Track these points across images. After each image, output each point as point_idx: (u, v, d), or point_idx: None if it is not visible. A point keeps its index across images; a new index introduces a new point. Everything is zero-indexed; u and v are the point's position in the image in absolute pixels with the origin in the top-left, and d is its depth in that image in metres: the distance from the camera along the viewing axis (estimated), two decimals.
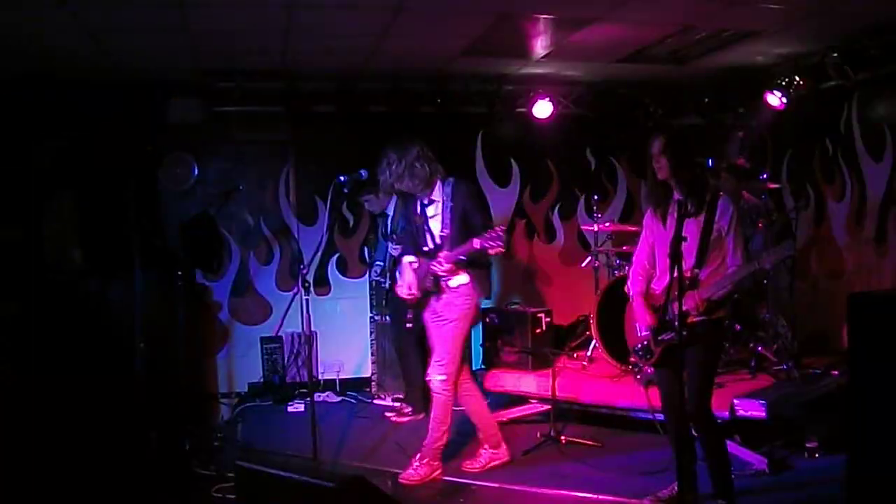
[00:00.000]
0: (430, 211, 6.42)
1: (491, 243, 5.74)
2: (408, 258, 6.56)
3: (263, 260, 9.47)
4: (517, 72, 8.84)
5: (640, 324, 5.39)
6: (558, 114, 9.48)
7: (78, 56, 7.41)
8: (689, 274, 5.06)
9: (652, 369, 6.14)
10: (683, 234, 4.83)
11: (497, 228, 5.81)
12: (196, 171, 9.00)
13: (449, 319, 6.31)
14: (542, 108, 9.19)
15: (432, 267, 6.23)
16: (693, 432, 5.35)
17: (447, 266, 6.16)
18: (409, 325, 6.66)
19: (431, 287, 6.32)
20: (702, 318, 5.08)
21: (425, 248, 6.42)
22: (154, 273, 7.63)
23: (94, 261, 7.44)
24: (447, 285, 6.30)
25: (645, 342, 5.35)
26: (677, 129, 5.56)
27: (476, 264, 6.28)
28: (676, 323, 4.91)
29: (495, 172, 9.97)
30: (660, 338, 5.21)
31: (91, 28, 6.66)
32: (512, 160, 10.17)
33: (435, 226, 6.37)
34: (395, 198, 7.80)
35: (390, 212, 8.16)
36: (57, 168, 7.68)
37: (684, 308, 4.86)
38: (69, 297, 7.26)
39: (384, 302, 7.35)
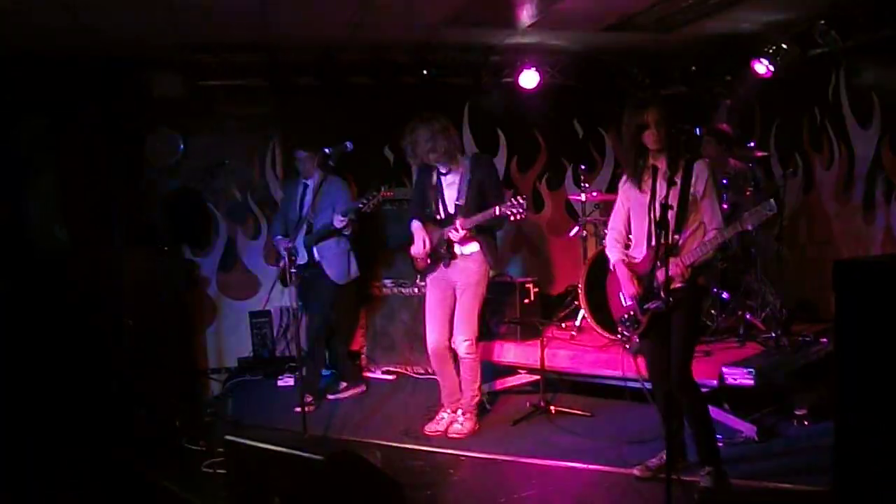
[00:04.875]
0: (446, 181, 6.64)
1: (513, 210, 6.06)
2: (416, 224, 6.76)
3: (251, 234, 9.43)
4: (503, 42, 8.77)
5: (624, 293, 5.36)
6: (545, 84, 9.43)
7: (58, 32, 7.32)
8: (670, 241, 5.05)
9: (638, 339, 6.17)
10: (666, 202, 4.81)
11: (519, 197, 6.10)
12: (181, 147, 8.93)
13: (467, 286, 6.58)
14: (529, 79, 9.14)
15: (449, 233, 6.47)
16: (677, 400, 5.36)
17: (463, 232, 6.40)
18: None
19: (444, 254, 6.58)
20: (683, 284, 5.08)
21: (438, 217, 6.66)
22: (140, 250, 7.60)
23: (80, 238, 7.39)
24: (460, 252, 6.54)
25: (631, 312, 5.33)
26: (664, 98, 5.53)
27: (487, 232, 6.56)
28: (662, 291, 4.92)
29: (482, 143, 9.91)
30: (646, 307, 5.19)
31: (70, 3, 6.57)
32: (499, 131, 10.12)
33: (450, 195, 6.61)
34: (316, 175, 7.60)
35: (311, 182, 7.74)
36: (39, 145, 7.60)
37: (663, 279, 4.88)
38: (55, 275, 7.20)
39: (288, 278, 7.12)
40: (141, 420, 6.91)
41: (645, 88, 9.57)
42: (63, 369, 6.95)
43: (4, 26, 7.05)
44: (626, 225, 5.46)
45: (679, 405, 5.35)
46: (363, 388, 8.14)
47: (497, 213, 6.14)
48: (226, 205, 9.32)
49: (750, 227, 5.03)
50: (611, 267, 5.52)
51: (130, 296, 7.30)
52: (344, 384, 8.09)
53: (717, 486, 5.20)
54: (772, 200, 4.98)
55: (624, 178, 5.46)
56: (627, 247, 5.48)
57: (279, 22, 7.53)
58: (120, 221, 7.39)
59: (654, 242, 5.01)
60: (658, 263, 4.95)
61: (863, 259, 6.48)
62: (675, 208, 4.85)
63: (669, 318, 5.06)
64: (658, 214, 4.79)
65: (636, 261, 5.33)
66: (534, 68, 9.11)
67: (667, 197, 4.78)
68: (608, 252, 5.55)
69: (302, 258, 7.45)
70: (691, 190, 5.04)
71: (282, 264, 7.52)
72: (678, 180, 4.95)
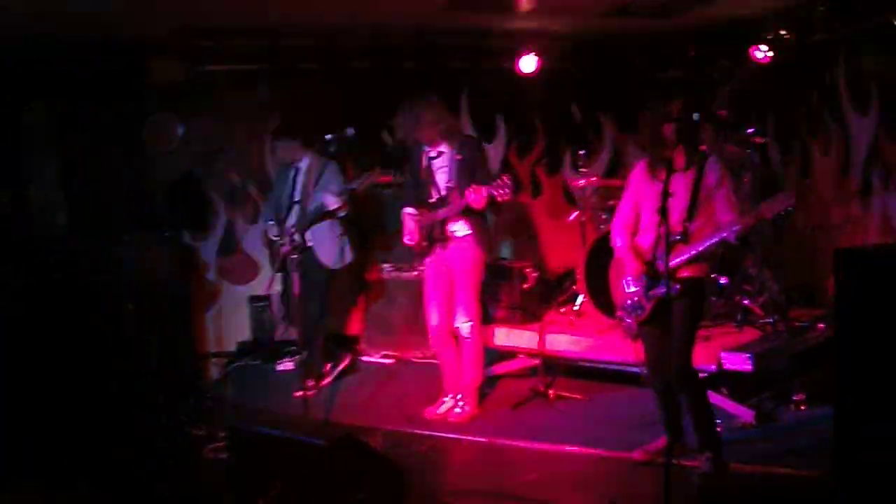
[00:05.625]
0: (436, 164, 6.67)
1: (500, 191, 6.09)
2: (408, 209, 6.80)
3: (250, 219, 9.41)
4: (501, 26, 8.77)
5: (630, 277, 5.39)
6: (543, 69, 9.41)
7: (58, 18, 7.31)
8: (680, 228, 5.10)
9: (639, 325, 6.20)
10: (671, 190, 4.85)
11: (504, 176, 6.15)
12: (181, 132, 8.91)
13: (464, 268, 6.64)
14: (528, 63, 9.10)
15: (441, 212, 6.54)
16: (677, 388, 5.43)
17: (457, 211, 6.47)
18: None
19: (438, 236, 6.63)
20: (690, 273, 5.12)
21: (430, 201, 6.68)
22: (141, 235, 7.61)
23: (81, 223, 7.40)
24: (453, 234, 6.60)
25: (635, 298, 5.36)
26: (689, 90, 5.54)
27: (477, 215, 6.58)
28: (667, 277, 4.97)
29: (481, 128, 9.88)
30: (651, 293, 5.22)
31: None
32: (497, 116, 10.11)
33: (441, 178, 6.64)
34: (306, 159, 7.68)
35: (303, 166, 7.75)
36: (39, 131, 7.61)
37: (674, 263, 4.95)
38: (56, 260, 7.21)
39: (279, 263, 7.08)
40: (143, 405, 6.93)
41: (643, 74, 9.57)
42: (65, 353, 6.96)
43: (3, 14, 7.05)
44: (635, 212, 5.49)
45: (677, 390, 5.42)
46: (347, 359, 8.20)
47: (485, 193, 6.17)
48: (225, 189, 9.31)
49: (770, 217, 4.96)
50: (616, 252, 5.55)
51: (131, 281, 7.30)
52: (328, 366, 8.06)
53: (717, 472, 5.25)
54: (791, 192, 5.01)
55: (636, 167, 5.47)
56: (634, 234, 5.51)
57: (279, 5, 7.53)
58: (121, 207, 7.38)
59: (674, 231, 5.07)
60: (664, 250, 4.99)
61: (864, 247, 6.51)
62: (675, 196, 4.90)
63: (672, 304, 5.11)
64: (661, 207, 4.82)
65: (643, 247, 5.35)
66: (533, 53, 9.08)
67: (665, 188, 4.82)
68: (614, 237, 5.58)
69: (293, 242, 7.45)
70: (703, 182, 5.09)
71: (275, 250, 7.53)
72: (690, 173, 5.02)
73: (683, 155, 5.18)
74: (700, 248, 5.09)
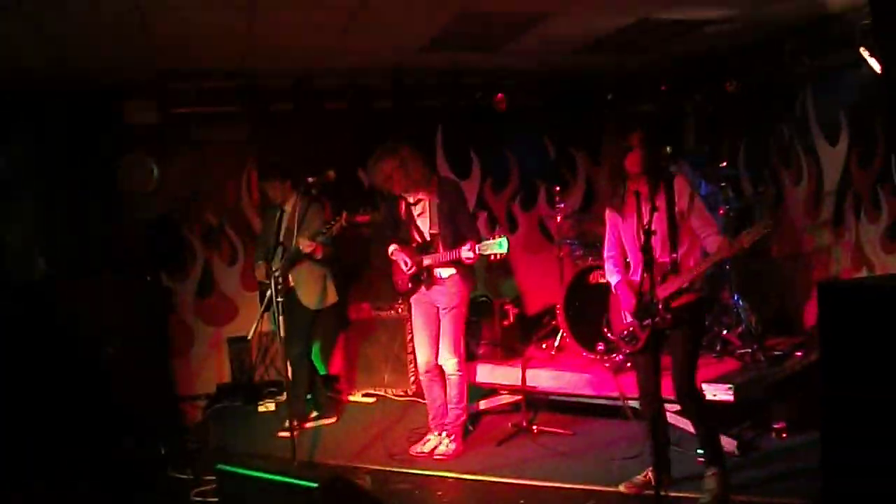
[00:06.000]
0: (416, 210, 6.72)
1: (492, 252, 6.20)
2: (393, 247, 6.80)
3: (228, 260, 9.42)
4: (475, 65, 8.87)
5: (626, 310, 5.47)
6: (516, 105, 9.53)
7: (34, 60, 7.34)
8: (667, 259, 5.20)
9: (621, 357, 6.28)
10: (651, 228, 4.93)
11: (496, 233, 6.29)
12: (156, 173, 8.91)
13: (451, 307, 6.69)
14: (501, 101, 9.17)
15: (428, 259, 6.61)
16: (682, 409, 5.63)
17: (445, 263, 6.54)
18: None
19: (425, 279, 6.68)
20: (685, 302, 5.23)
21: (414, 245, 6.73)
22: (119, 277, 7.59)
23: (58, 266, 7.38)
24: (439, 276, 6.68)
25: (631, 329, 5.44)
26: (645, 119, 5.63)
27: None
28: (660, 306, 5.15)
29: (455, 165, 9.98)
30: (645, 323, 5.29)
31: (48, 32, 6.60)
32: (472, 152, 10.19)
33: (423, 224, 6.68)
34: (291, 200, 7.66)
35: (287, 207, 7.72)
36: (15, 174, 7.59)
37: (667, 292, 5.14)
38: (33, 303, 7.18)
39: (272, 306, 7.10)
40: (126, 448, 6.90)
41: (615, 108, 9.69)
42: (44, 396, 6.93)
43: None
44: (622, 249, 5.57)
45: (665, 421, 5.50)
46: (334, 419, 8.06)
47: (478, 252, 6.25)
48: (202, 230, 9.30)
49: (747, 245, 5.05)
50: (613, 289, 5.63)
51: (110, 324, 7.28)
52: (315, 413, 8.02)
53: (723, 486, 5.36)
54: (767, 219, 5.12)
55: (608, 204, 5.55)
56: (627, 270, 5.59)
57: (259, 49, 7.59)
58: (97, 249, 7.37)
59: (663, 261, 5.19)
60: (656, 280, 5.13)
61: (846, 281, 6.60)
62: (657, 232, 4.99)
63: (671, 333, 5.27)
64: (643, 241, 4.90)
65: (636, 283, 5.40)
66: (505, 91, 9.14)
67: (649, 223, 4.89)
68: (608, 277, 5.67)
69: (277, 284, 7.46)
70: (676, 209, 5.18)
71: (263, 291, 7.51)
72: (660, 204, 5.10)
73: (647, 185, 5.26)
74: (688, 279, 5.19)
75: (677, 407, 5.87)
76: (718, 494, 5.35)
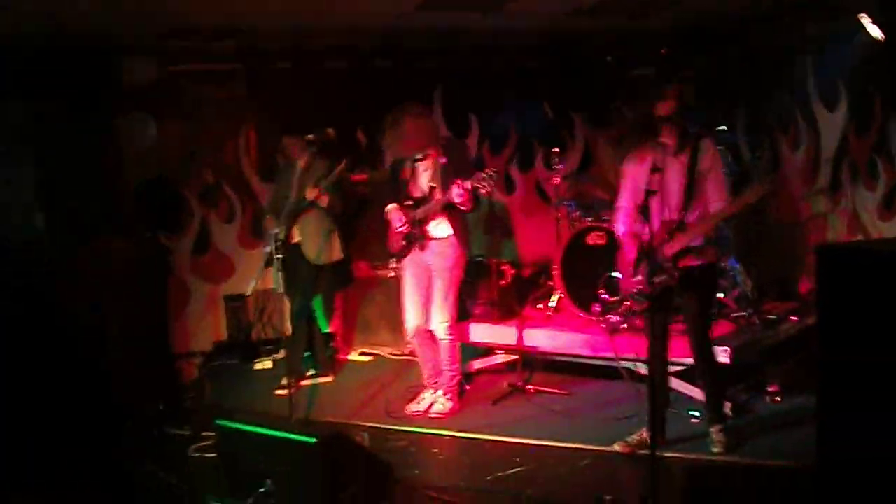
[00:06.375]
0: (422, 166, 6.71)
1: (483, 183, 6.14)
2: (390, 206, 6.81)
3: (225, 218, 9.41)
4: (474, 25, 8.82)
5: (629, 260, 5.55)
6: (516, 66, 9.51)
7: (29, 19, 7.30)
8: (676, 217, 5.23)
9: (617, 317, 6.33)
10: (653, 188, 4.95)
11: (487, 169, 6.19)
12: (155, 132, 8.87)
13: (443, 269, 6.68)
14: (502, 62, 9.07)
15: (420, 210, 6.59)
16: (696, 369, 5.81)
17: (462, 191, 6.33)
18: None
19: (418, 235, 6.66)
20: (698, 262, 5.30)
21: (409, 202, 6.72)
22: (117, 235, 7.59)
23: (57, 224, 7.37)
24: (432, 235, 6.63)
25: (640, 286, 5.46)
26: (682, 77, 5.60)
27: (458, 215, 6.61)
28: (668, 264, 5.24)
29: (454, 127, 9.95)
30: (653, 280, 5.33)
31: None
32: (470, 114, 10.18)
33: (424, 179, 6.68)
34: (305, 157, 7.59)
35: (301, 163, 7.62)
36: (13, 134, 7.55)
37: (674, 250, 5.22)
38: (31, 261, 7.19)
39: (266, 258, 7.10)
40: (123, 406, 6.93)
41: (615, 71, 9.68)
42: (43, 357, 6.94)
43: None
44: (634, 201, 5.60)
45: (667, 381, 5.69)
46: (331, 377, 8.10)
47: (469, 186, 6.20)
48: (199, 188, 9.30)
49: (753, 201, 5.12)
50: (619, 240, 5.66)
51: (107, 282, 7.27)
52: (311, 371, 8.07)
53: (727, 442, 5.55)
54: (774, 175, 5.16)
55: (630, 155, 5.55)
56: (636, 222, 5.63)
57: (254, 6, 7.55)
58: (95, 207, 7.35)
59: (663, 217, 5.27)
60: (664, 238, 5.25)
61: (843, 245, 6.61)
62: (670, 181, 5.09)
63: (685, 294, 5.37)
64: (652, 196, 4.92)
65: (643, 235, 5.42)
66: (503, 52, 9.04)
67: (649, 182, 4.92)
68: (616, 226, 5.70)
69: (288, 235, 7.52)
70: (698, 167, 5.20)
71: (268, 249, 7.51)
72: (684, 158, 5.13)
73: (676, 137, 5.28)
74: (694, 236, 5.26)
75: (678, 368, 5.93)
76: (728, 445, 5.53)
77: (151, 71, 8.61)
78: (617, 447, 5.74)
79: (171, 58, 8.70)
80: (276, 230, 6.80)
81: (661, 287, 5.31)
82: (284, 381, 7.33)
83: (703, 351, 5.55)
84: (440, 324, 6.73)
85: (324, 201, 7.28)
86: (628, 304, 5.62)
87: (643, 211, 4.90)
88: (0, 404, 6.42)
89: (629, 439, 5.75)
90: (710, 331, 5.61)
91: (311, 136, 7.01)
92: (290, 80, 9.07)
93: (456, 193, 6.27)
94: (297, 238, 7.54)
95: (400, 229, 6.73)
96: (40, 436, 6.23)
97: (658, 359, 5.55)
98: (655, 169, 5.05)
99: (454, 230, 6.63)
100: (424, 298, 6.80)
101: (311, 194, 7.25)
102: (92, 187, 7.65)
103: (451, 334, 6.78)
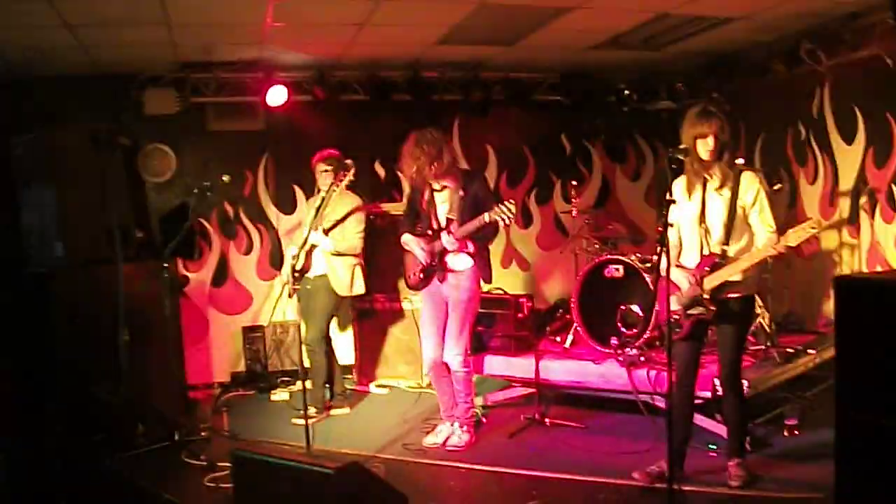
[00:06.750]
0: (439, 197, 6.70)
1: (502, 215, 6.09)
2: (406, 237, 6.82)
3: (243, 250, 9.48)
4: (493, 58, 8.90)
5: (673, 296, 5.48)
6: (533, 100, 9.57)
7: (57, 50, 7.44)
8: (718, 250, 5.24)
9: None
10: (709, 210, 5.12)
11: (507, 202, 6.12)
12: (174, 162, 8.96)
13: (459, 301, 6.65)
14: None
15: (443, 242, 6.52)
16: (723, 400, 5.71)
17: (455, 241, 6.43)
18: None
19: (437, 266, 6.65)
20: (736, 295, 5.30)
21: (430, 232, 6.70)
22: (137, 264, 7.63)
23: (76, 252, 7.41)
24: (451, 267, 6.62)
25: (676, 316, 5.44)
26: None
27: (481, 245, 6.62)
28: (707, 297, 5.27)
29: (471, 159, 10.01)
30: (689, 312, 5.33)
31: (71, 21, 6.67)
32: (488, 146, 10.24)
33: (442, 210, 6.66)
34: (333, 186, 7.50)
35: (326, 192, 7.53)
36: (34, 161, 7.63)
37: (713, 284, 5.24)
38: (50, 289, 7.23)
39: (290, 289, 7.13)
40: (140, 434, 6.95)
41: (632, 105, 9.72)
42: (60, 384, 6.98)
43: (5, 46, 7.15)
44: (677, 232, 5.60)
45: (691, 415, 5.68)
46: (348, 409, 8.09)
47: (487, 219, 6.17)
48: (219, 219, 9.37)
49: (793, 245, 5.10)
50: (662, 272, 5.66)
51: (126, 310, 7.30)
52: (329, 402, 8.05)
53: (746, 475, 5.51)
54: (814, 218, 5.12)
55: (674, 185, 5.53)
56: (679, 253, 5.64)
57: (278, 40, 7.66)
58: (117, 236, 7.39)
59: (704, 251, 5.28)
60: (705, 272, 5.28)
61: (863, 276, 6.60)
62: (713, 216, 5.21)
63: (721, 327, 5.39)
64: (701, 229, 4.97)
65: (686, 267, 5.47)
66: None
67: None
68: (662, 259, 5.65)
69: (316, 269, 7.63)
70: (739, 202, 5.20)
71: (284, 277, 7.54)
72: (726, 192, 5.14)
73: (719, 173, 5.29)
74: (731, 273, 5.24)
75: (699, 402, 5.92)
76: (747, 479, 5.48)
77: (172, 102, 8.71)
78: (635, 475, 5.69)
79: (192, 89, 8.81)
80: (293, 259, 6.87)
81: (696, 319, 5.32)
82: (313, 411, 7.40)
83: (733, 383, 5.51)
84: (455, 356, 6.70)
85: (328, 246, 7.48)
86: (655, 334, 5.63)
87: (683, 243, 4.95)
88: (16, 430, 6.45)
89: (648, 469, 5.69)
90: (741, 363, 5.58)
91: (328, 167, 7.10)
92: (308, 112, 9.15)
93: (475, 227, 6.31)
94: (322, 270, 7.61)
95: (423, 260, 6.74)
96: (53, 463, 6.25)
97: (685, 391, 5.55)
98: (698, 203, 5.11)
99: (475, 261, 6.63)
100: (441, 331, 6.78)
101: (315, 238, 7.43)
102: (111, 216, 7.67)
103: (465, 366, 6.76)
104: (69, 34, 6.99)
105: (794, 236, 5.04)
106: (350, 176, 7.06)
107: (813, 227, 5.00)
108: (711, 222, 5.30)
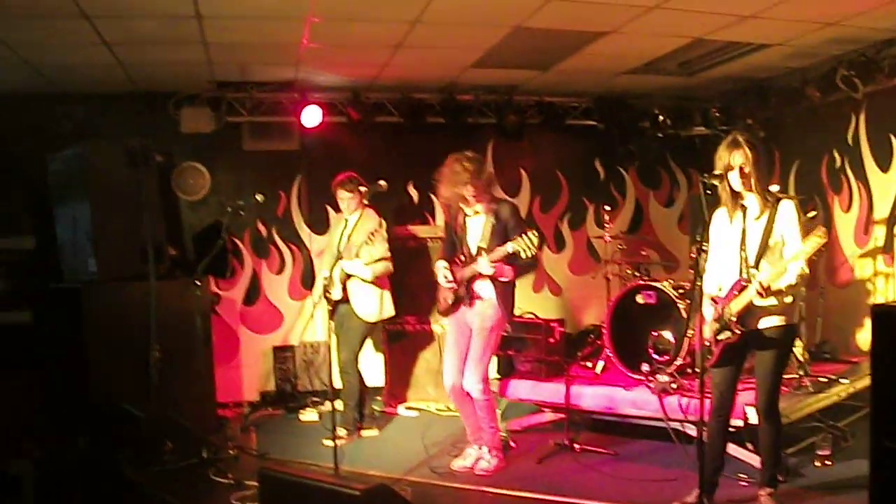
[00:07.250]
0: (472, 223, 6.68)
1: (522, 247, 6.06)
2: (437, 264, 6.80)
3: (276, 269, 9.53)
4: (528, 82, 8.92)
5: (706, 322, 5.48)
6: (567, 124, 9.57)
7: (95, 67, 7.54)
8: (746, 276, 5.20)
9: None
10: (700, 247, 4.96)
11: (529, 233, 6.10)
12: (209, 181, 9.00)
13: (482, 328, 6.60)
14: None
15: (479, 266, 6.45)
16: (760, 429, 5.56)
17: (491, 266, 6.37)
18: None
19: (464, 294, 6.61)
20: (775, 324, 5.25)
21: (461, 258, 6.68)
22: (169, 281, 7.68)
23: (109, 268, 7.47)
24: (478, 294, 6.60)
25: (707, 343, 5.41)
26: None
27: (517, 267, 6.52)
28: (734, 320, 5.22)
29: (505, 183, 10.02)
30: (718, 338, 5.30)
31: (110, 39, 6.77)
32: (521, 170, 10.25)
33: (473, 237, 6.63)
34: (358, 211, 7.70)
35: (352, 220, 7.78)
36: (70, 177, 7.71)
37: (739, 308, 5.19)
38: (83, 304, 7.29)
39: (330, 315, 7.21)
40: (168, 451, 6.96)
41: (666, 130, 9.70)
42: (91, 398, 7.03)
43: (46, 63, 7.27)
44: (718, 260, 5.54)
45: (724, 444, 5.58)
46: (377, 431, 8.09)
47: (510, 249, 6.14)
48: (251, 238, 9.43)
49: (810, 250, 5.03)
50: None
51: (157, 327, 7.35)
52: (358, 425, 8.00)
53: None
54: (821, 226, 5.06)
55: (716, 213, 5.51)
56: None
57: (314, 61, 7.73)
58: (150, 253, 7.44)
59: (739, 277, 5.24)
60: (733, 295, 5.23)
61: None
62: (750, 241, 5.19)
63: (759, 354, 5.33)
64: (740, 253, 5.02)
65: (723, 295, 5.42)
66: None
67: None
68: (704, 287, 5.61)
69: (337, 293, 7.57)
70: (776, 230, 5.17)
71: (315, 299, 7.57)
72: (763, 220, 5.12)
73: (756, 202, 5.26)
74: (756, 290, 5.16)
75: (731, 429, 5.85)
76: None
77: (208, 121, 8.80)
78: None
79: (227, 108, 8.88)
80: (325, 280, 6.91)
81: (725, 345, 5.29)
82: (344, 432, 7.42)
83: (769, 412, 5.43)
84: (474, 384, 6.62)
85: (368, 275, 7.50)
86: (687, 361, 5.58)
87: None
88: (45, 442, 6.49)
89: (685, 499, 5.61)
90: (779, 392, 5.51)
91: (363, 188, 7.12)
92: (343, 133, 9.21)
93: (499, 255, 6.29)
94: (346, 295, 7.62)
95: (448, 287, 6.74)
96: (81, 476, 6.26)
97: (720, 420, 5.50)
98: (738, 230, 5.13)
99: (496, 293, 6.58)
100: (462, 357, 6.73)
101: (352, 269, 7.47)
102: (145, 233, 7.73)
103: (485, 395, 6.68)
104: (108, 52, 7.10)
105: (808, 245, 4.99)
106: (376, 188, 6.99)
107: (820, 237, 4.94)
108: (750, 249, 5.27)
